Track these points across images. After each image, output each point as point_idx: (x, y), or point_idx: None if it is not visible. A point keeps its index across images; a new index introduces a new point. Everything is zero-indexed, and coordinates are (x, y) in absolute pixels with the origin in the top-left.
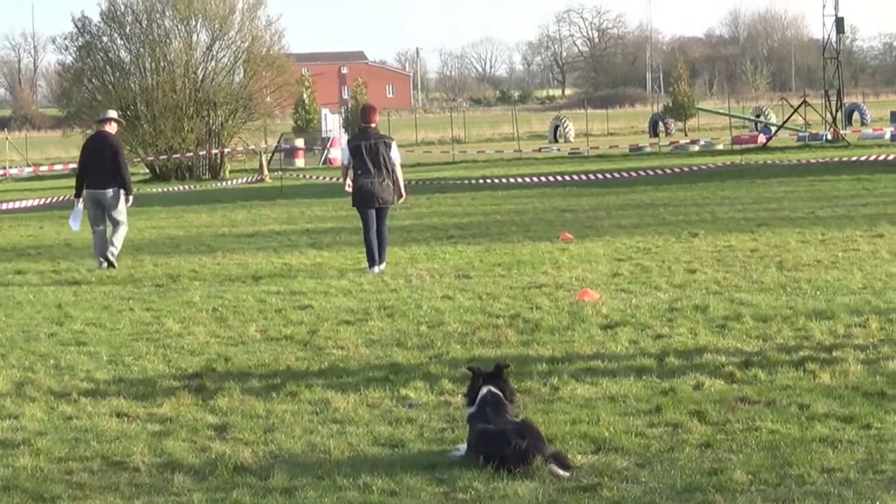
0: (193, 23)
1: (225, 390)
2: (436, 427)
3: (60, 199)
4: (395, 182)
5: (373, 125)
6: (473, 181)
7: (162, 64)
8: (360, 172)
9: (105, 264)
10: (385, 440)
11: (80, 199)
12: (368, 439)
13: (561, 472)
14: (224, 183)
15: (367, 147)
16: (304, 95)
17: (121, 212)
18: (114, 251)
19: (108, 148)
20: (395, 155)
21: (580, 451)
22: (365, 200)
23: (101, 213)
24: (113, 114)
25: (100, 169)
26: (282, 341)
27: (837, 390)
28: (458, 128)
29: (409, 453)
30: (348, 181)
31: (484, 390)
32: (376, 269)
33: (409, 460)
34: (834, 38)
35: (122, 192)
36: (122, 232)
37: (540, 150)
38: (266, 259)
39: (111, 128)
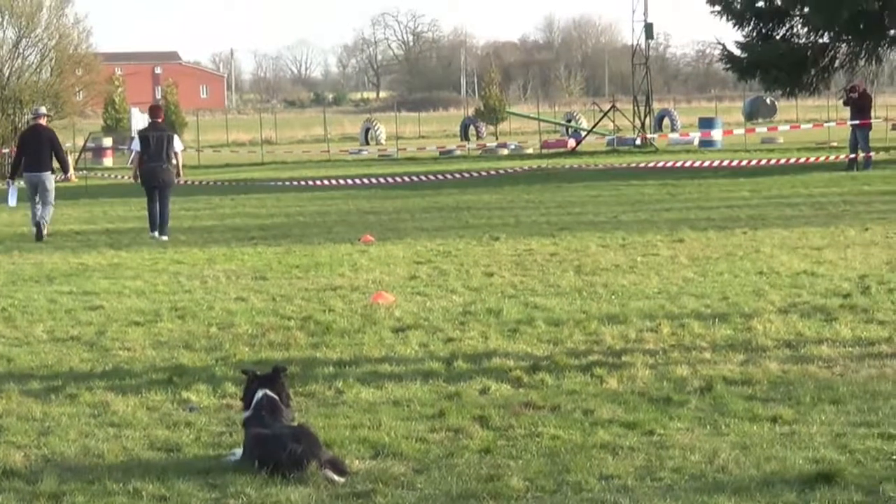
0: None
1: (3, 392)
2: (215, 431)
3: None
4: (175, 167)
5: (159, 121)
6: (280, 183)
7: None
8: (146, 158)
9: (37, 232)
10: (161, 444)
11: (16, 181)
12: (144, 443)
13: (336, 477)
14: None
15: (154, 138)
16: (115, 95)
17: (51, 192)
18: (45, 223)
19: (44, 138)
20: (177, 145)
21: (358, 456)
22: (149, 180)
23: (35, 192)
24: (44, 110)
25: (37, 156)
26: (68, 342)
27: (623, 396)
28: (270, 129)
29: (184, 458)
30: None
31: (260, 394)
32: (156, 233)
33: (183, 465)
34: (643, 44)
35: (52, 175)
36: (51, 210)
37: (349, 152)
38: (62, 259)
39: (44, 121)
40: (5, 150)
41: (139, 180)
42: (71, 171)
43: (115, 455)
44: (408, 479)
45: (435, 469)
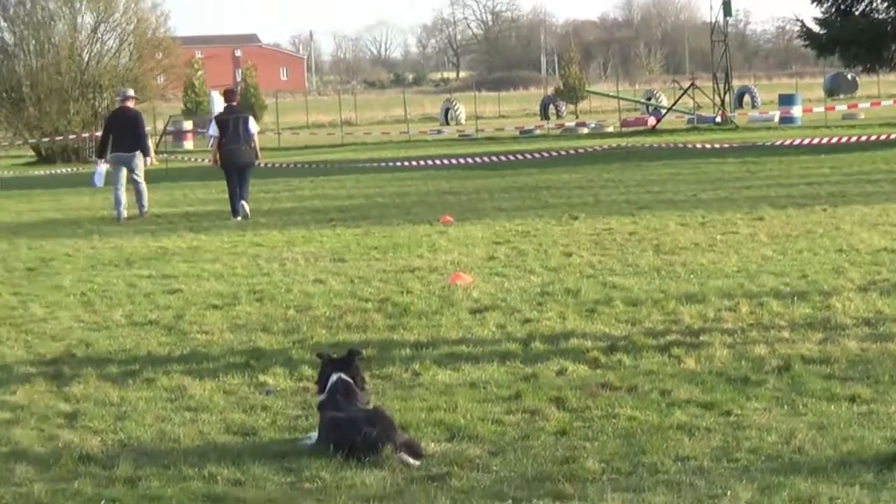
0: (78, 5)
1: (81, 377)
2: (291, 414)
3: None
4: (253, 148)
5: (234, 104)
6: (359, 164)
7: (46, 46)
8: (224, 141)
9: (138, 212)
10: (237, 428)
11: (103, 161)
12: (220, 427)
13: (411, 460)
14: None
15: (230, 121)
16: (195, 78)
17: (140, 171)
18: (144, 206)
19: (131, 120)
20: (253, 127)
21: (434, 438)
22: (229, 162)
23: (122, 173)
24: (131, 92)
25: (125, 137)
26: (146, 326)
27: (701, 376)
28: (349, 110)
29: (259, 442)
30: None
31: (334, 377)
32: (239, 218)
33: (258, 449)
34: (722, 21)
35: (142, 155)
36: (144, 190)
37: (429, 132)
38: (142, 242)
39: (131, 103)
40: (85, 135)
41: (219, 163)
42: (152, 155)
43: (190, 439)
44: (483, 461)
45: (510, 451)
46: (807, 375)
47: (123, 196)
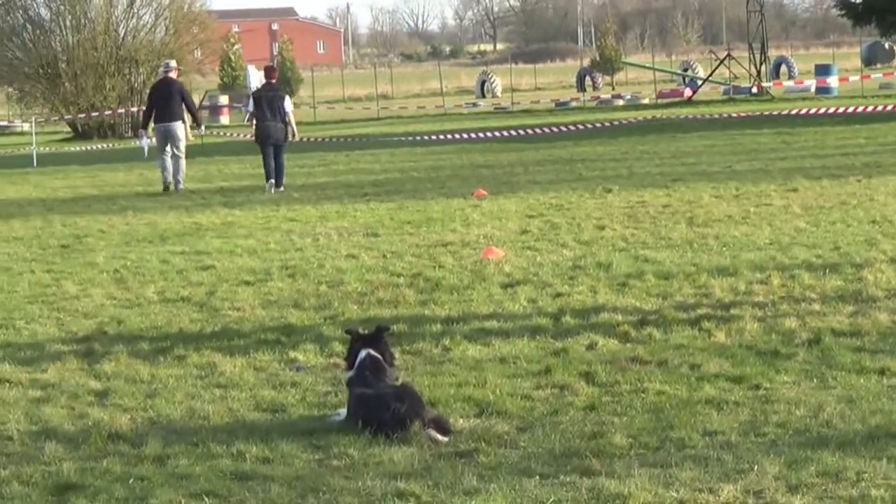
0: None
1: (112, 354)
2: (320, 391)
3: None
4: (288, 124)
5: (273, 81)
6: (394, 138)
7: (83, 21)
8: (260, 117)
9: (173, 186)
10: (267, 405)
11: (147, 131)
12: (250, 404)
13: (439, 437)
14: (145, 141)
15: (266, 98)
16: (231, 52)
17: (182, 141)
18: (180, 181)
19: (174, 91)
20: (288, 105)
21: (462, 414)
22: (265, 138)
23: (166, 143)
24: (174, 64)
25: (168, 107)
26: (178, 303)
27: (731, 349)
28: (386, 83)
29: (289, 418)
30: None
31: (363, 353)
32: (273, 188)
33: (287, 426)
34: None
35: (183, 125)
36: (183, 164)
37: (464, 105)
38: (176, 218)
39: (174, 74)
40: (121, 111)
41: (255, 138)
42: (201, 123)
43: (220, 417)
44: (511, 437)
45: (539, 427)
46: (837, 348)
47: (169, 164)
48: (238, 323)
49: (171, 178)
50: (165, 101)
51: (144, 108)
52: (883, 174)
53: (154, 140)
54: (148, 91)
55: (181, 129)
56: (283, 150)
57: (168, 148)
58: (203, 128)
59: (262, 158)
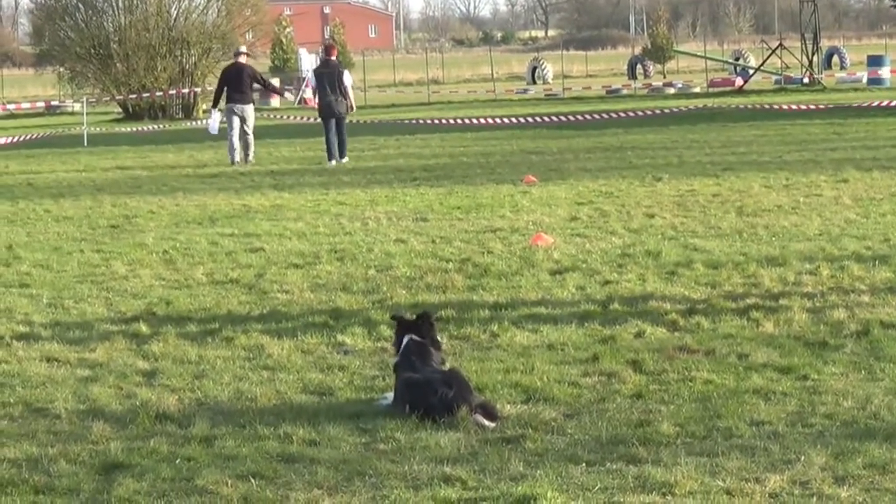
0: None
1: (161, 335)
2: (368, 374)
3: (29, 137)
4: (347, 99)
5: (332, 58)
6: (445, 122)
7: (135, 2)
8: (321, 93)
9: (242, 159)
10: (314, 388)
11: (217, 110)
12: (297, 387)
13: (486, 422)
14: (196, 122)
15: (326, 74)
16: (282, 35)
17: (251, 122)
18: (249, 155)
19: (245, 74)
20: (347, 79)
21: (510, 400)
22: (326, 113)
23: (236, 123)
24: (244, 49)
25: (240, 89)
26: (227, 285)
27: (779, 340)
28: (437, 68)
29: (336, 402)
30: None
31: (406, 339)
32: (334, 162)
33: (334, 409)
34: None
35: (252, 106)
36: (252, 143)
37: (515, 91)
38: (226, 200)
39: (244, 59)
40: (172, 92)
41: (318, 113)
42: (284, 92)
43: (267, 399)
44: (558, 424)
45: (585, 414)
46: (885, 340)
47: (237, 143)
48: (286, 306)
49: (238, 157)
50: (237, 83)
51: (215, 88)
52: None
53: (223, 118)
54: (220, 73)
55: (251, 110)
56: (344, 123)
57: (237, 127)
58: (287, 94)
59: (325, 135)
